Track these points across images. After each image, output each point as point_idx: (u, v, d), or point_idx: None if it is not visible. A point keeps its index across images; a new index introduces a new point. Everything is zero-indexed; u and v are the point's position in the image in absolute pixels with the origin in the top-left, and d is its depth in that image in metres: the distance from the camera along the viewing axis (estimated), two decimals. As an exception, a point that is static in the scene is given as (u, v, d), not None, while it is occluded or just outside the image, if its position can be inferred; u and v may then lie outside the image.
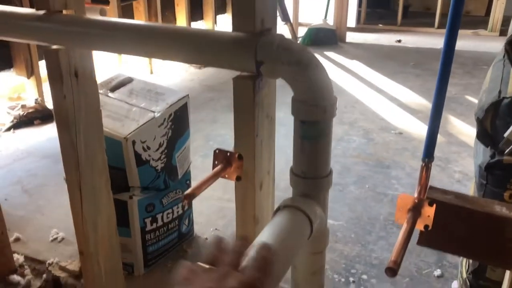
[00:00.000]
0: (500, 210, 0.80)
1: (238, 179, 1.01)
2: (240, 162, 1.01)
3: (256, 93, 0.94)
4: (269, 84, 0.99)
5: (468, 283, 1.06)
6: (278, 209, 0.88)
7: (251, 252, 0.49)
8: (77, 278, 1.62)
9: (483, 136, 0.98)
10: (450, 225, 0.88)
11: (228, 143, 2.84)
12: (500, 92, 1.05)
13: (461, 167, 2.52)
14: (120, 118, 1.49)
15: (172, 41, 0.97)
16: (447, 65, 0.81)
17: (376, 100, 3.64)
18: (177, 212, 1.68)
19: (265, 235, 0.79)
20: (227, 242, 0.51)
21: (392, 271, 0.75)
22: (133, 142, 1.44)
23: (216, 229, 1.95)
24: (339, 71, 4.44)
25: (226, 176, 1.01)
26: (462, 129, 3.01)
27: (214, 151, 1.01)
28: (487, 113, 0.98)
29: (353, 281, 1.65)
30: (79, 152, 1.20)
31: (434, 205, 0.88)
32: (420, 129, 3.03)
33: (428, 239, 0.91)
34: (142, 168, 1.50)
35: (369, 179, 2.39)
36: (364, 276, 1.67)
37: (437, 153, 3.02)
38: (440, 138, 2.95)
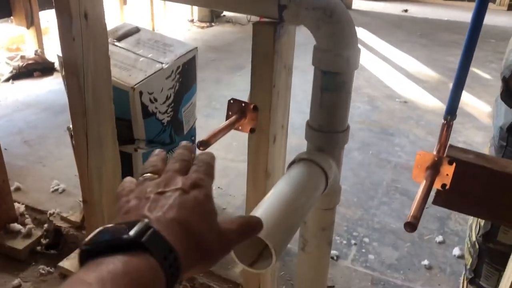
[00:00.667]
0: (523, 170, 0.78)
1: (252, 131, 0.99)
2: (254, 114, 0.98)
3: (276, 40, 0.91)
4: (288, 33, 0.95)
5: (477, 246, 1.05)
6: (293, 162, 0.86)
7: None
8: (79, 229, 1.61)
9: (507, 96, 0.96)
10: (469, 184, 0.86)
11: (231, 104, 2.80)
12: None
13: (465, 137, 2.50)
14: (127, 68, 1.45)
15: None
16: (481, 13, 0.77)
17: (382, 68, 3.59)
18: (181, 167, 1.66)
19: (280, 187, 0.77)
20: (166, 153, 0.49)
21: (411, 225, 0.73)
22: (140, 93, 1.40)
23: (219, 187, 1.94)
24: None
25: (240, 127, 0.98)
26: (467, 101, 2.98)
27: (229, 101, 0.98)
28: (515, 72, 0.95)
29: (355, 244, 1.65)
30: (87, 98, 1.17)
31: (454, 164, 0.86)
32: (425, 99, 3.00)
33: (445, 198, 0.90)
34: (148, 120, 1.46)
35: (372, 145, 2.37)
36: (366, 239, 1.68)
37: (440, 122, 3.00)
38: (443, 108, 2.92)
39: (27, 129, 2.39)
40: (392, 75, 3.44)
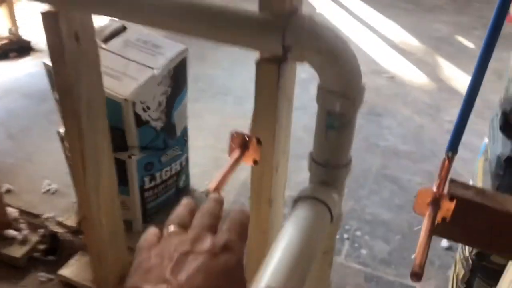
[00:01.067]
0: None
1: (255, 162, 0.99)
2: (258, 146, 0.98)
3: (280, 78, 0.89)
4: (291, 67, 0.93)
5: (471, 262, 1.10)
6: (298, 199, 0.87)
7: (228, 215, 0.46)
8: (75, 233, 1.61)
9: (506, 128, 0.97)
10: (469, 219, 0.89)
11: (218, 84, 2.76)
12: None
13: (451, 117, 2.53)
14: (118, 75, 1.41)
15: (190, 15, 0.89)
16: (493, 38, 0.75)
17: (367, 39, 3.55)
18: (175, 169, 1.66)
19: (289, 232, 0.77)
20: (195, 204, 0.47)
21: (417, 275, 0.76)
22: (133, 103, 1.38)
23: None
24: (326, 1, 4.26)
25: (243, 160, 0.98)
26: (453, 75, 2.99)
27: (231, 134, 0.97)
28: (516, 107, 0.96)
29: (348, 238, 1.70)
30: (82, 120, 1.14)
31: (455, 200, 0.88)
32: (412, 73, 3.00)
33: (444, 230, 0.92)
34: (141, 129, 1.44)
35: (361, 128, 2.39)
36: (358, 233, 1.73)
37: (427, 100, 3.00)
38: (430, 83, 2.94)
39: (9, 120, 2.31)
40: (378, 47, 3.41)
